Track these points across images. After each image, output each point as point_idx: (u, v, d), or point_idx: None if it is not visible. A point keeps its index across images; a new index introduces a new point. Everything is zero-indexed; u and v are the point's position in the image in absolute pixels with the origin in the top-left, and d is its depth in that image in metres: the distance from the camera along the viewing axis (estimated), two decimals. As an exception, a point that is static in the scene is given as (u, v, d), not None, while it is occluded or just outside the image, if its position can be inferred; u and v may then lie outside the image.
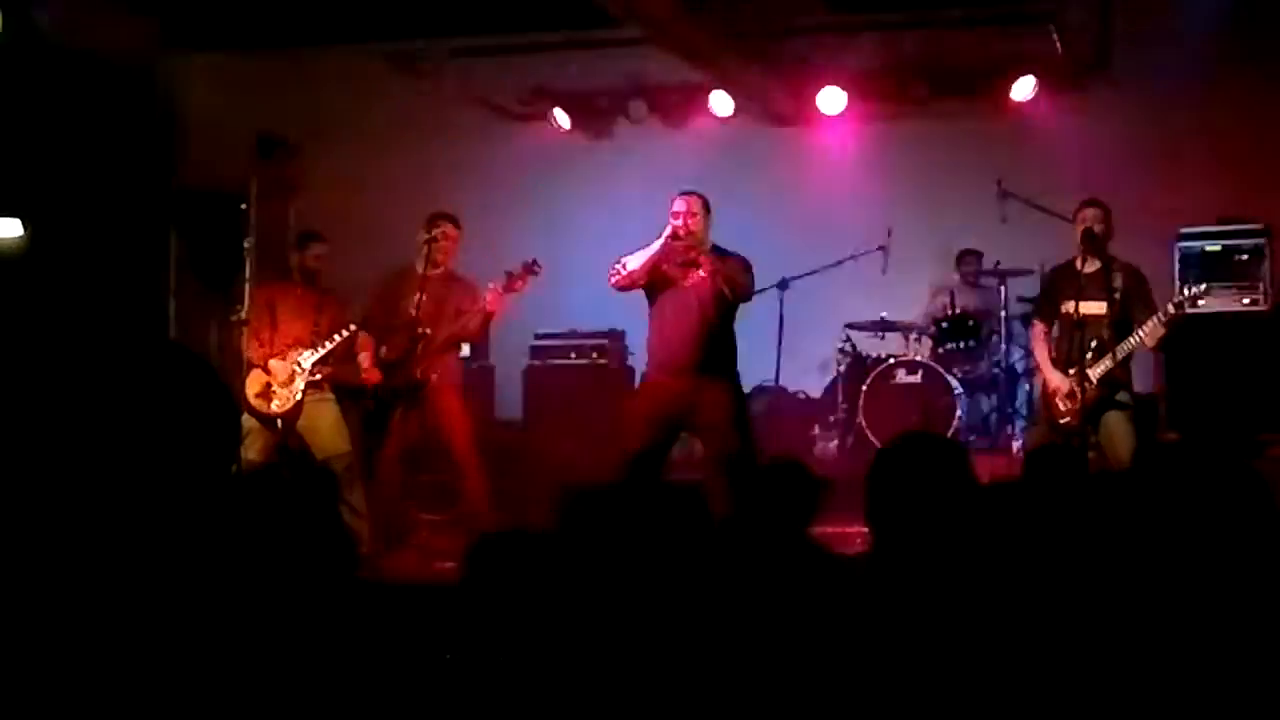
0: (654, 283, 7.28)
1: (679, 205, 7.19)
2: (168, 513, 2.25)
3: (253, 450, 7.72)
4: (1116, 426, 7.16)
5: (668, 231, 7.15)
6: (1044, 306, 7.62)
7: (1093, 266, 7.29)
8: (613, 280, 7.26)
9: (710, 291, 7.19)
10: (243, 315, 7.78)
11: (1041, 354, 7.52)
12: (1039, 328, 7.61)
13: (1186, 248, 9.16)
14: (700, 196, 7.27)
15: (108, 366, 2.33)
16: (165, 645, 2.16)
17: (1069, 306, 7.21)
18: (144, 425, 2.28)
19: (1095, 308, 7.18)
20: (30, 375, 2.39)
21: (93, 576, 2.19)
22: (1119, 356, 7.11)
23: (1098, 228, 7.27)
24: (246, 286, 7.81)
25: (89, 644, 2.14)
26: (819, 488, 4.71)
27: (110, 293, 8.10)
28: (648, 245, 7.22)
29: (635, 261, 7.19)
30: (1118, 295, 7.18)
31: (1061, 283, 7.45)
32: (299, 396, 7.86)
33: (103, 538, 2.21)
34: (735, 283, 7.21)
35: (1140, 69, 9.78)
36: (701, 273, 7.20)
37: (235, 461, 6.95)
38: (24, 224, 7.83)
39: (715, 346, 7.22)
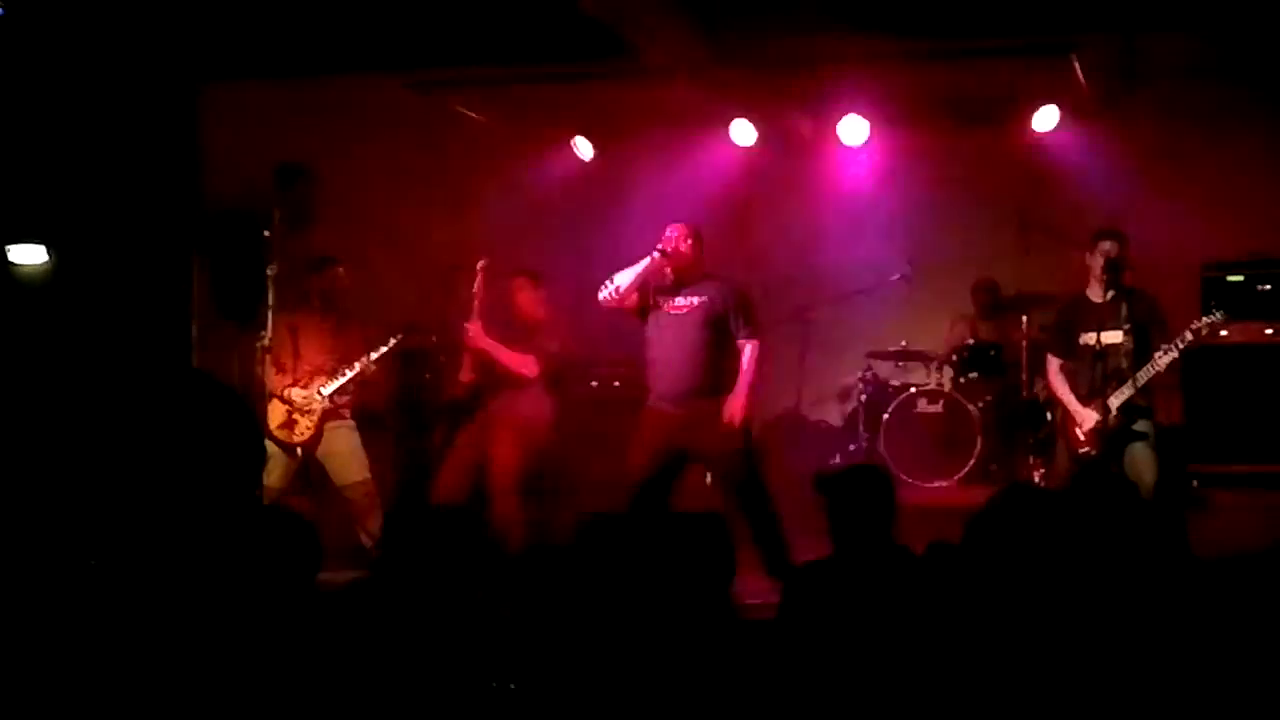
0: (646, 308, 7.34)
1: (668, 231, 7.28)
2: (193, 536, 2.26)
3: (273, 477, 7.74)
4: (1140, 455, 7.09)
5: (655, 252, 7.21)
6: (1060, 341, 7.50)
7: (1108, 296, 7.25)
8: (602, 297, 7.32)
9: (703, 317, 7.23)
10: (265, 342, 7.81)
11: (1063, 390, 7.38)
12: (1055, 363, 7.50)
13: (1210, 280, 9.16)
14: (690, 225, 7.34)
15: (133, 393, 2.34)
16: (187, 662, 2.17)
17: (1089, 338, 7.16)
18: (169, 451, 2.28)
19: (1115, 337, 7.14)
20: (56, 401, 2.41)
21: (118, 597, 2.19)
22: (1139, 384, 7.06)
23: (1117, 258, 7.23)
24: (269, 313, 7.84)
25: (113, 661, 2.14)
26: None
27: (133, 319, 8.12)
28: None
29: (623, 278, 7.26)
30: (1134, 324, 7.15)
31: (1077, 315, 7.38)
32: (319, 425, 7.91)
33: (129, 560, 2.21)
34: (736, 322, 7.31)
35: (1163, 100, 9.75)
36: (695, 299, 7.25)
37: (258, 487, 6.99)
38: (49, 250, 7.88)
39: (712, 371, 7.24)
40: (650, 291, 7.32)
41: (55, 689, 2.14)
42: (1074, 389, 7.30)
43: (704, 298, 7.26)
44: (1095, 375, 7.13)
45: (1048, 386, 7.69)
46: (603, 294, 7.30)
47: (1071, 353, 7.36)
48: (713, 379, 7.22)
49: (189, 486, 2.28)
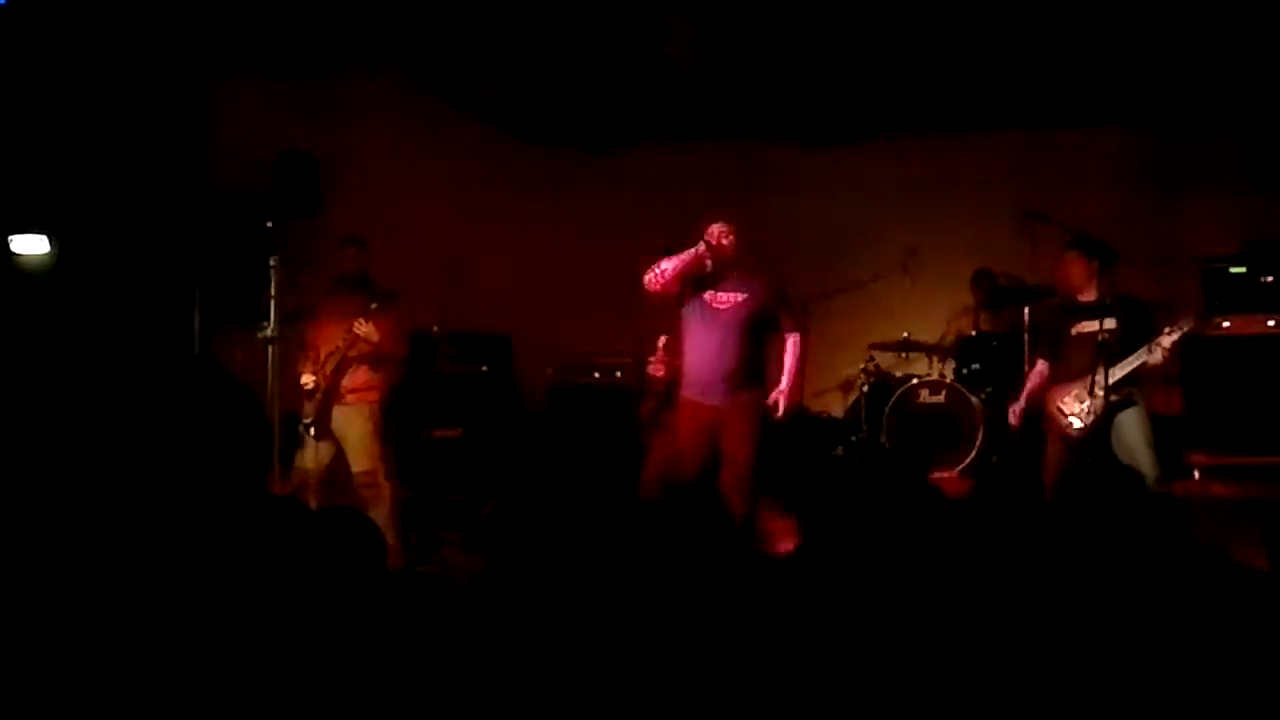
0: (690, 303, 7.47)
1: (713, 227, 7.38)
2: (202, 524, 2.26)
3: (305, 459, 7.94)
4: (1127, 423, 7.26)
5: (700, 244, 7.32)
6: (1048, 342, 7.74)
7: (1094, 295, 7.44)
8: (648, 281, 7.43)
9: (745, 313, 7.39)
10: (268, 333, 7.82)
11: (1029, 387, 7.68)
12: (1041, 365, 7.70)
13: (1211, 271, 9.16)
14: (735, 224, 7.45)
15: (139, 382, 2.35)
16: (195, 647, 2.18)
17: (1087, 326, 7.34)
18: (173, 440, 2.29)
19: (1110, 323, 7.25)
20: (58, 392, 2.41)
21: (123, 590, 2.20)
22: (1153, 351, 7.15)
23: (1093, 263, 7.47)
24: (272, 304, 7.85)
25: (119, 652, 2.15)
26: None
27: (136, 310, 8.13)
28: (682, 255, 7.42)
29: (669, 264, 7.39)
30: (1124, 319, 7.27)
31: (1068, 314, 7.56)
32: (319, 405, 7.97)
33: (136, 551, 2.22)
34: (781, 317, 7.53)
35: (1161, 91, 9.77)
36: (739, 295, 7.39)
37: (267, 474, 7.04)
38: (51, 241, 7.88)
39: (749, 365, 7.42)
40: (693, 283, 7.46)
41: (59, 683, 2.14)
42: (1067, 374, 7.43)
43: (747, 294, 7.42)
44: (1093, 359, 7.23)
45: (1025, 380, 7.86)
46: (648, 277, 7.44)
47: (1060, 349, 7.53)
48: (749, 373, 7.42)
49: (195, 475, 2.29)
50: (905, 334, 10.24)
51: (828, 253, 10.83)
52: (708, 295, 7.44)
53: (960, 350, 10.11)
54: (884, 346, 10.33)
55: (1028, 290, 9.89)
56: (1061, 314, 7.61)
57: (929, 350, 10.22)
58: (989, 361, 9.96)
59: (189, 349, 8.43)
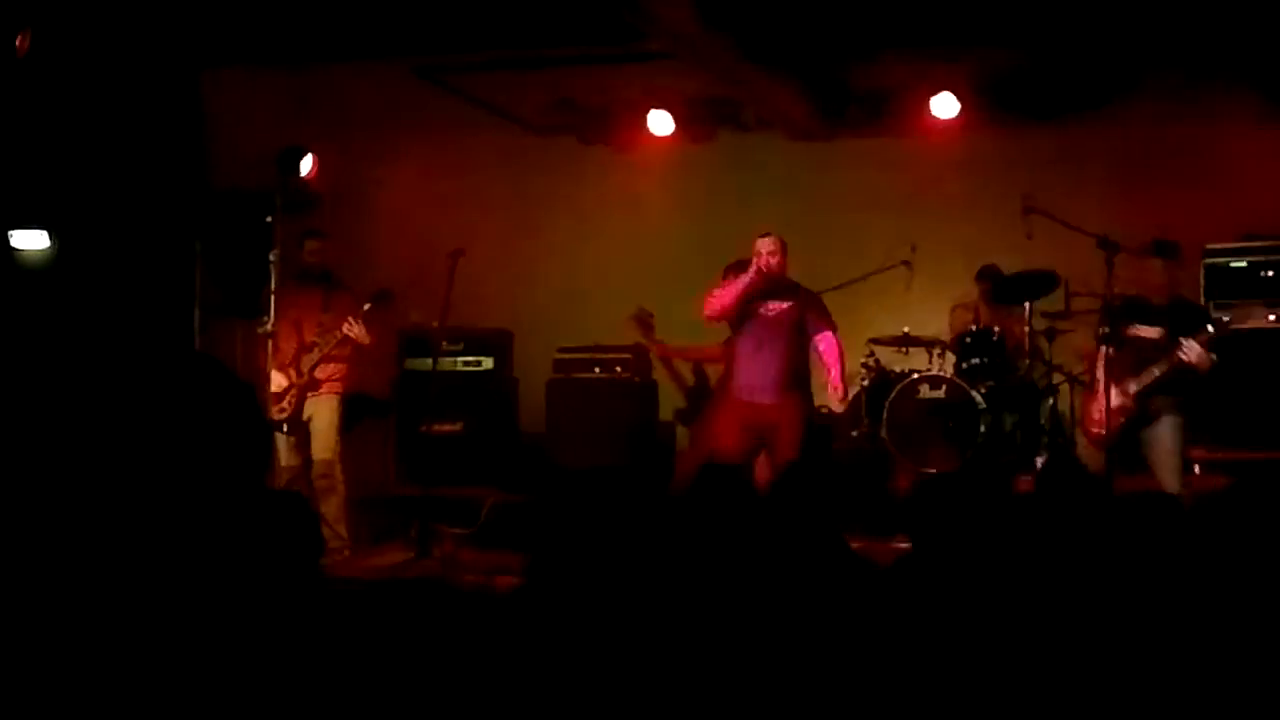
0: (741, 313, 8.13)
1: (761, 246, 8.02)
2: (198, 524, 2.26)
3: (280, 455, 7.90)
4: (1157, 435, 7.56)
5: (753, 269, 7.96)
6: (1114, 333, 7.83)
7: (1162, 299, 7.71)
8: (707, 309, 8.16)
9: (791, 320, 8.12)
10: (268, 327, 7.82)
11: (1100, 371, 7.74)
12: (1103, 350, 7.81)
13: (1212, 265, 9.16)
14: (779, 237, 8.11)
15: (136, 379, 2.34)
16: (192, 653, 2.17)
17: (1137, 330, 7.66)
18: (172, 437, 2.29)
19: (1153, 333, 7.58)
20: (58, 387, 2.40)
21: (123, 586, 2.20)
22: (1157, 374, 7.43)
23: (1169, 267, 7.78)
24: (271, 299, 7.85)
25: (118, 650, 2.15)
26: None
27: (136, 306, 8.13)
28: (734, 279, 8.08)
29: (728, 296, 8.06)
30: (1174, 325, 7.54)
31: (1131, 312, 7.75)
32: (296, 400, 7.97)
33: (134, 549, 2.22)
34: (813, 320, 8.23)
35: (1165, 85, 9.74)
36: (784, 304, 8.11)
37: (267, 471, 7.03)
38: (51, 236, 7.88)
39: (796, 367, 8.17)
40: (749, 300, 8.09)
41: (58, 680, 2.14)
42: (1112, 373, 7.61)
43: (791, 303, 8.16)
44: (1134, 363, 7.53)
45: (1092, 368, 8.01)
46: (708, 306, 8.16)
47: (1119, 344, 7.70)
48: (797, 374, 8.18)
49: (193, 472, 2.29)
50: (905, 329, 10.20)
51: (826, 247, 10.79)
52: (759, 306, 8.10)
53: (960, 345, 10.07)
54: (883, 341, 10.29)
55: (1028, 285, 9.86)
56: (1125, 313, 7.78)
57: (929, 345, 10.18)
58: (989, 356, 9.92)
59: (189, 344, 8.43)
